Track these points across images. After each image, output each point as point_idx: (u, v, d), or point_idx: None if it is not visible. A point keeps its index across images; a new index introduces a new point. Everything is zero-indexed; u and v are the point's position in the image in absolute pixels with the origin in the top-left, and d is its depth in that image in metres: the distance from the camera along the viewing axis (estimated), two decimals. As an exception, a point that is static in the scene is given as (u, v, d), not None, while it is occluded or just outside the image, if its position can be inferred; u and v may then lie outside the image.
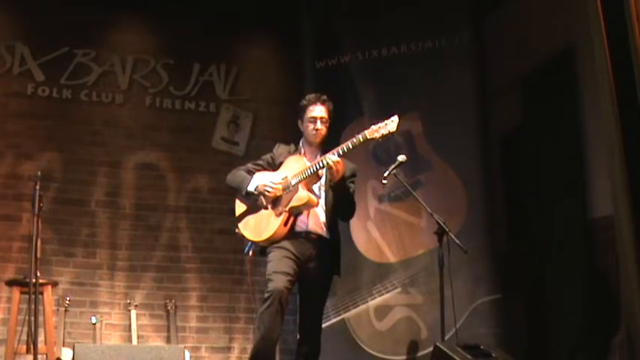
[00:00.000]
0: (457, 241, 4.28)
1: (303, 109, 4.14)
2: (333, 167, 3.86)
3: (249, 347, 4.59)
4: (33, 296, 4.30)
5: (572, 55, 5.07)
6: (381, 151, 5.47)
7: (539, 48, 5.34)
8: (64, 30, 6.21)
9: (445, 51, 5.59)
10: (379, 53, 5.78)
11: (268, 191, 4.03)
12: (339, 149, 3.91)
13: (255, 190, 4.07)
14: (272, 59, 6.68)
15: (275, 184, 4.03)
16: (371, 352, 5.39)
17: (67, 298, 5.70)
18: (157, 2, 6.33)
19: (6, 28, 6.15)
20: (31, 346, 4.38)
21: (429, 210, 4.38)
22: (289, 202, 3.97)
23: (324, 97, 4.16)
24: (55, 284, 5.30)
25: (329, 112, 4.13)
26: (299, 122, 4.18)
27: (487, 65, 5.56)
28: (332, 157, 3.87)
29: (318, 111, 4.11)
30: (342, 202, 4.05)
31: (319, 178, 4.04)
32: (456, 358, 3.71)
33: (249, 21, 6.50)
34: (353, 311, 5.49)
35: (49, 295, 5.02)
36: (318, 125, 4.10)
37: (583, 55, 4.87)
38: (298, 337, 4.12)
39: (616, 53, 3.97)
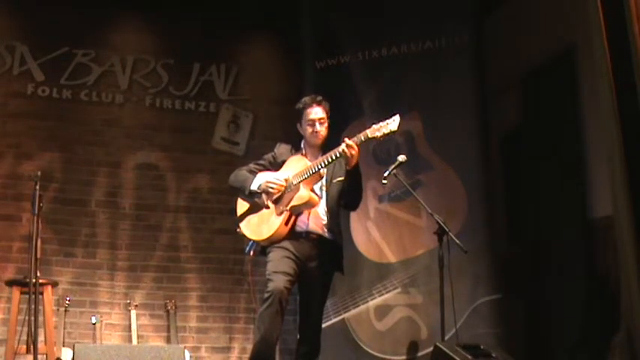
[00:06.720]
0: (457, 241, 4.28)
1: (301, 112, 4.13)
2: (348, 152, 3.84)
3: (249, 347, 4.58)
4: (33, 296, 4.29)
5: (572, 55, 5.08)
6: (381, 151, 5.47)
7: (539, 48, 5.35)
8: (64, 30, 6.21)
9: (445, 51, 5.59)
10: (379, 53, 5.77)
11: (272, 187, 4.02)
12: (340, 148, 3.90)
13: (258, 188, 4.07)
14: (272, 59, 6.68)
15: (279, 180, 4.03)
16: (371, 352, 5.39)
17: (67, 298, 5.70)
18: (157, 2, 6.33)
19: (6, 28, 6.14)
20: (31, 346, 4.38)
21: (429, 210, 4.38)
22: (290, 201, 3.97)
23: (319, 97, 4.15)
24: (55, 284, 5.30)
25: (327, 112, 4.13)
26: (298, 126, 4.18)
27: (487, 65, 5.56)
28: (347, 142, 3.83)
29: (315, 113, 4.10)
30: (355, 188, 4.04)
31: (321, 177, 4.05)
32: (456, 358, 3.71)
33: (249, 21, 6.51)
34: (353, 311, 5.48)
35: (49, 295, 5.02)
36: (317, 127, 4.10)
37: (583, 55, 4.88)
38: (298, 337, 4.12)
39: (616, 53, 3.97)
